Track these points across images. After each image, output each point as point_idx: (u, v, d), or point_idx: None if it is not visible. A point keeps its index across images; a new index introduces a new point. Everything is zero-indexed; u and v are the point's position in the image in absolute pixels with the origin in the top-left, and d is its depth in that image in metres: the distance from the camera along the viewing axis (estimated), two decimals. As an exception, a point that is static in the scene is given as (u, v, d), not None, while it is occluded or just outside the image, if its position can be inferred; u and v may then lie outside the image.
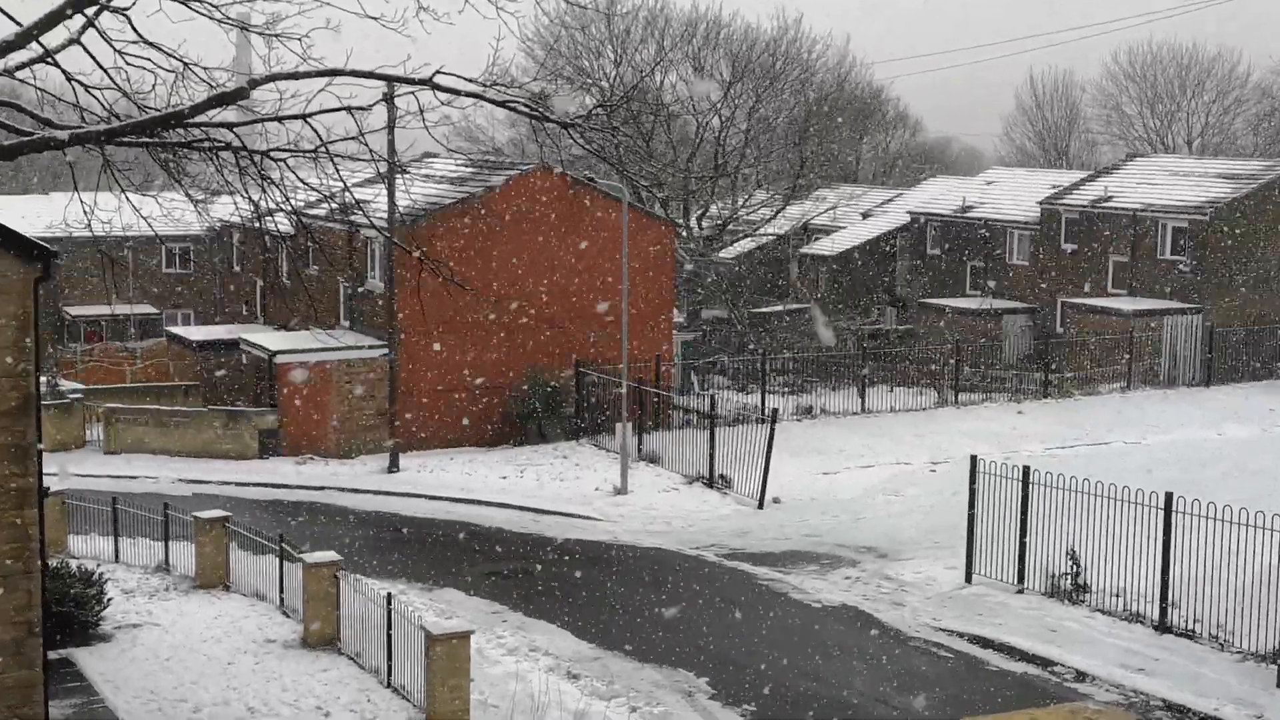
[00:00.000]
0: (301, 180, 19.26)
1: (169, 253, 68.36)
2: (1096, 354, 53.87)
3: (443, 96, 18.52)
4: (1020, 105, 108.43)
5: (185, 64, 18.28)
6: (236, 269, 64.90)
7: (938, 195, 73.97)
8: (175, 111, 17.58)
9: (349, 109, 18.23)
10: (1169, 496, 24.68)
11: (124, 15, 17.92)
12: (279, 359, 45.66)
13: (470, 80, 18.61)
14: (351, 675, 23.48)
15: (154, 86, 18.51)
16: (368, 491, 40.62)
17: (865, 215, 77.64)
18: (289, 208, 19.53)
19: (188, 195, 20.47)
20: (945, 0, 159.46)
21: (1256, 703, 21.71)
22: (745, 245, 71.47)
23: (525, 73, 51.75)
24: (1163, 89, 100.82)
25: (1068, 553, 26.60)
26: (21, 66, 18.26)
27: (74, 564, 26.82)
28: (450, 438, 46.18)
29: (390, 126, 31.08)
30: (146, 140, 18.20)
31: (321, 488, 41.15)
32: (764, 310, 67.15)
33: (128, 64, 18.43)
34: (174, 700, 22.22)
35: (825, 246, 73.69)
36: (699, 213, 66.10)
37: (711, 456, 38.91)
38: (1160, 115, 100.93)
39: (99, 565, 28.44)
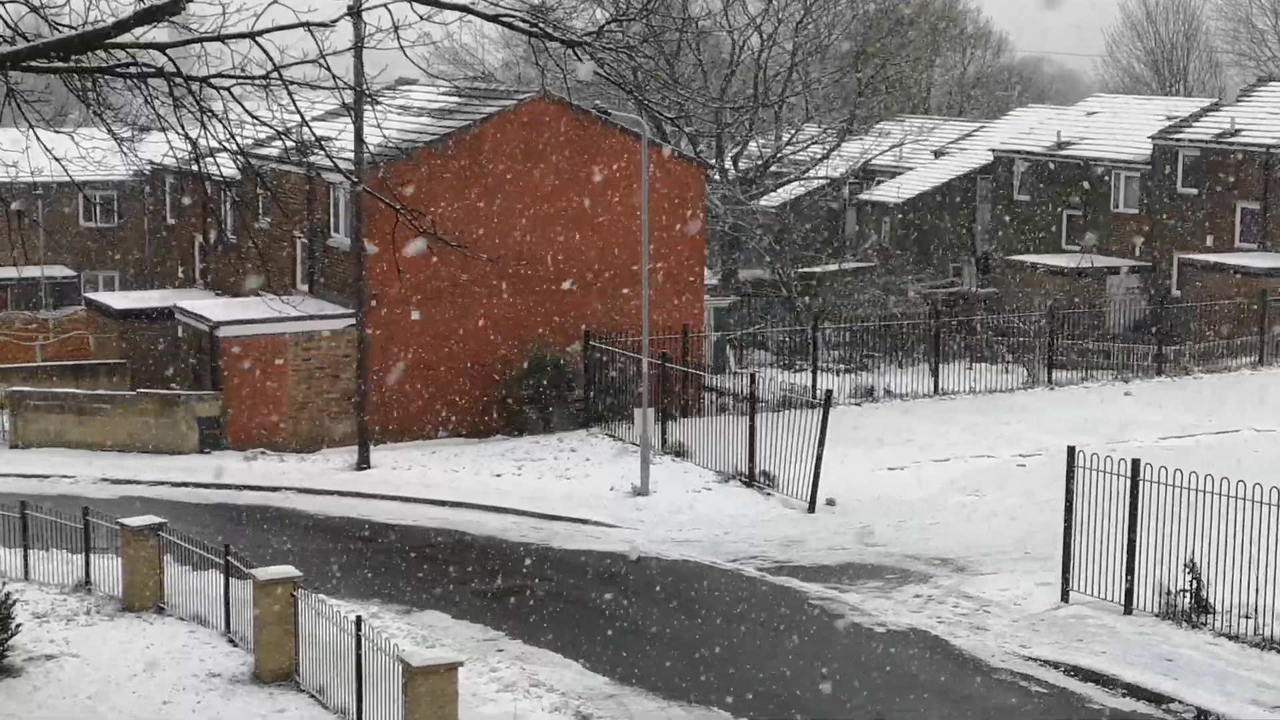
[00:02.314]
0: (249, 113, 19.23)
1: (88, 202, 68.42)
2: (1222, 322, 53.70)
3: (421, 10, 18.47)
4: (1128, 18, 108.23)
5: (107, -29, 18.26)
6: (171, 222, 65.01)
7: (1027, 129, 73.79)
8: (95, 30, 17.55)
9: (307, 25, 18.17)
10: (1312, 496, 24.61)
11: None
12: (222, 331, 45.72)
13: (455, -11, 18.56)
14: (313, 717, 23.53)
15: (68, -1, 18.50)
16: (332, 493, 40.69)
17: (938, 154, 77.51)
18: (234, 146, 19.51)
19: (111, 132, 20.44)
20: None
21: None
22: (792, 190, 71.38)
23: (522, -20, 51.62)
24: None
25: (1186, 565, 26.53)
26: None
27: (-25, 582, 26.95)
28: (433, 427, 46.24)
29: (357, 47, 31.05)
30: (60, 65, 18.17)
31: (276, 488, 41.23)
32: (815, 270, 67.08)
33: (36, -29, 18.42)
34: (98, 747, 22.33)
35: (889, 192, 73.60)
36: (735, 151, 66.00)
37: (751, 449, 38.89)
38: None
39: (5, 584, 28.53)
